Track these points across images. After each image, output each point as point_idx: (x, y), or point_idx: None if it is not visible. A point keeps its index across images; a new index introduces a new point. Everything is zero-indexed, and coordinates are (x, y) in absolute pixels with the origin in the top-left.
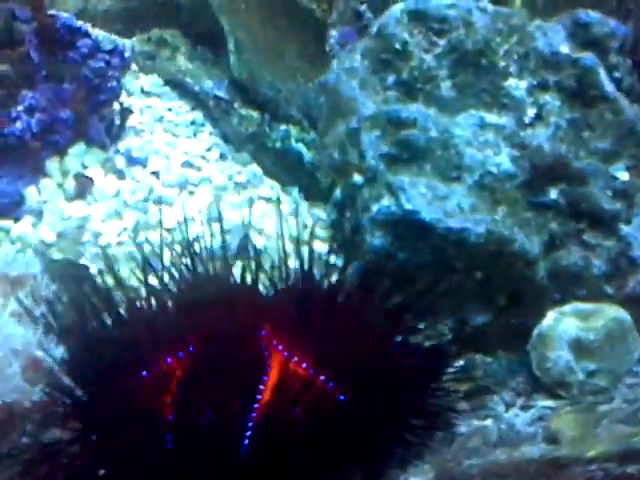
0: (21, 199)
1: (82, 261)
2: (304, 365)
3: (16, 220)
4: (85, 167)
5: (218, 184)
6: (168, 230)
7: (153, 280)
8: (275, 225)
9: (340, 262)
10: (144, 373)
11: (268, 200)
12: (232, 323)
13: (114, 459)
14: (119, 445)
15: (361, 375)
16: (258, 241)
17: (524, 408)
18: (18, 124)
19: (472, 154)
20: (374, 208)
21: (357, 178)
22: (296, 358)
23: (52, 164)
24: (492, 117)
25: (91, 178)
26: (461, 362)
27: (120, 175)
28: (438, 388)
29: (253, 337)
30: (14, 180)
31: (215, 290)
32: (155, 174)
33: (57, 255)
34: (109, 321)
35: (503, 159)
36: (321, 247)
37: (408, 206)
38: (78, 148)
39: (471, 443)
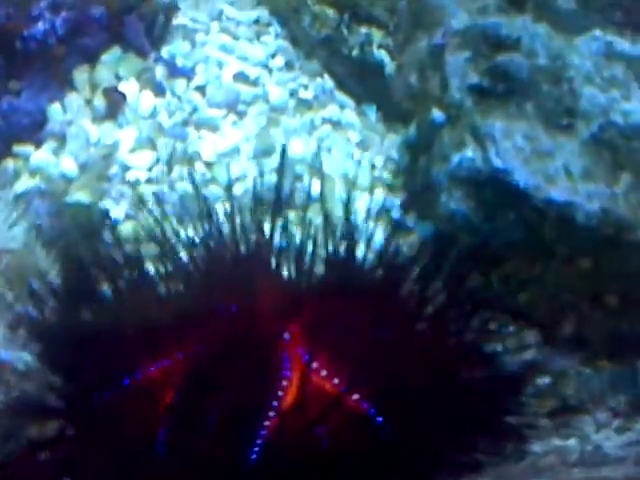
0: (43, 118)
1: (104, 203)
2: (335, 381)
3: (37, 145)
4: (119, 79)
5: (276, 102)
6: (208, 165)
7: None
8: (337, 164)
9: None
10: (129, 380)
11: (336, 125)
12: (247, 319)
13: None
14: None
15: (410, 395)
16: (313, 186)
17: (619, 430)
18: (40, 25)
19: (592, 94)
20: (454, 159)
21: (436, 114)
22: (325, 371)
23: (80, 75)
24: (624, 44)
25: (123, 94)
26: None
27: (158, 90)
28: (511, 410)
29: (272, 340)
30: (35, 95)
31: (236, 270)
32: (201, 89)
33: (76, 195)
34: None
35: (634, 106)
36: (390, 197)
37: (497, 162)
38: (112, 54)
39: (545, 462)
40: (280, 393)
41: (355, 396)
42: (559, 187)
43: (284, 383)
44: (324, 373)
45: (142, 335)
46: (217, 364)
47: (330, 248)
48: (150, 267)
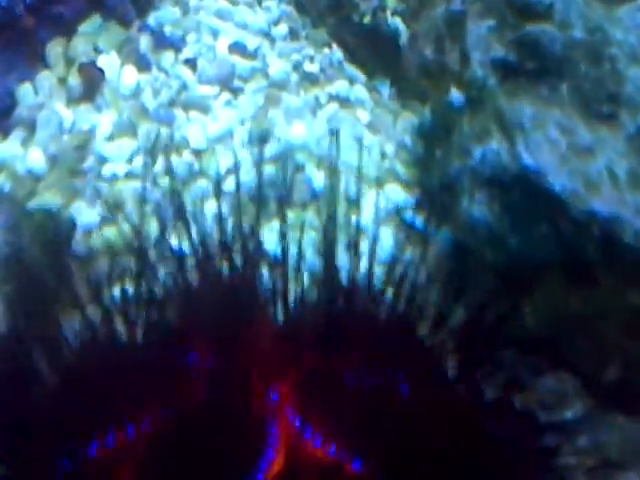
0: (12, 102)
1: (74, 206)
2: (332, 449)
3: (4, 135)
4: (98, 52)
5: (276, 77)
6: (196, 153)
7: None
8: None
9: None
10: (80, 457)
11: (344, 102)
12: (227, 375)
13: None
14: None
15: (424, 464)
16: (316, 179)
17: None
18: None
19: (638, 78)
20: (476, 153)
21: (455, 95)
22: (320, 439)
23: (54, 49)
24: None
25: (102, 70)
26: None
27: (143, 64)
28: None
29: (257, 402)
30: (2, 75)
31: (218, 306)
32: (191, 62)
33: (43, 197)
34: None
35: None
36: (403, 195)
37: (528, 159)
38: (90, 24)
39: None
40: (265, 466)
41: (356, 465)
42: (603, 195)
43: (270, 455)
44: (319, 441)
45: (98, 397)
46: (187, 433)
47: (329, 276)
48: (117, 296)
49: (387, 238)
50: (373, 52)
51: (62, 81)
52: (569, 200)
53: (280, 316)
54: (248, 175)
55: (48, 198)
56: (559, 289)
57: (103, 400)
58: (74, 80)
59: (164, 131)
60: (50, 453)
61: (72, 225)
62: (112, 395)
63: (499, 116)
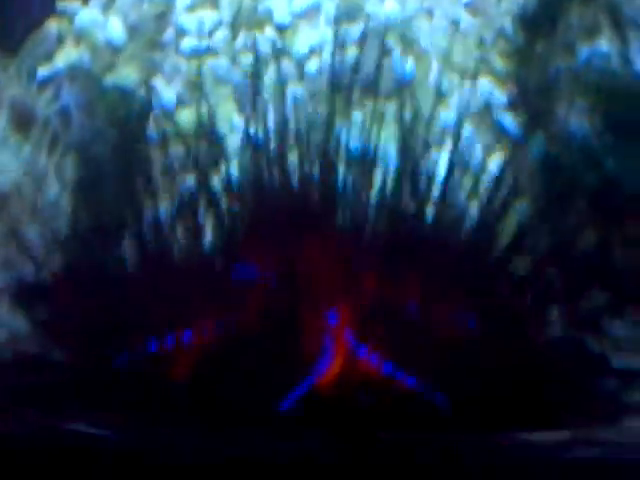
0: None
1: (151, 83)
2: (386, 368)
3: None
4: None
5: None
6: (279, 30)
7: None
8: (436, 34)
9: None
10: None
11: None
12: (286, 293)
13: None
14: None
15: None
16: (403, 64)
17: None
18: None
19: None
20: (582, 51)
21: None
22: (374, 358)
23: None
24: None
25: None
26: None
27: None
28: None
29: (313, 319)
30: None
31: (286, 218)
32: None
33: (119, 71)
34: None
35: None
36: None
37: None
38: None
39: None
40: (317, 377)
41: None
42: None
43: (324, 367)
44: (374, 360)
45: (158, 299)
46: (243, 342)
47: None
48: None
49: (474, 140)
50: None
51: None
52: None
53: (350, 227)
54: (332, 57)
55: (125, 73)
56: None
57: (161, 304)
58: None
59: (247, 2)
60: (108, 349)
61: (148, 106)
62: (170, 299)
63: (613, 10)
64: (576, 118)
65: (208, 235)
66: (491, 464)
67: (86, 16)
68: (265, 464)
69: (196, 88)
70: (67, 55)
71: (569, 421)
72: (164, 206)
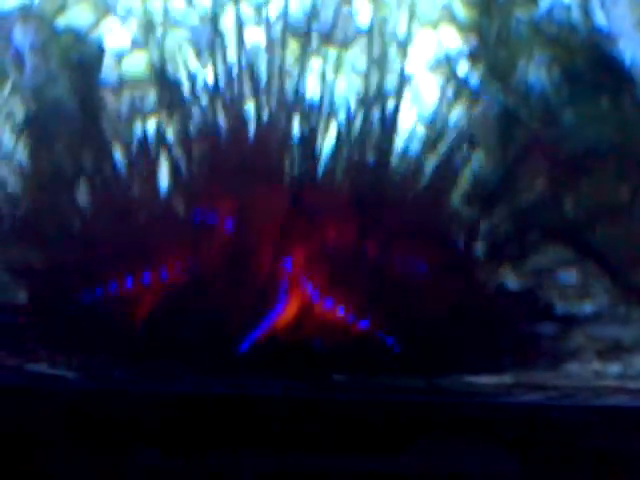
0: None
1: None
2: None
3: None
4: None
5: None
6: None
7: None
8: None
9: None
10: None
11: None
12: (244, 237)
13: None
14: None
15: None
16: (362, 12)
17: None
18: None
19: None
20: (543, 2)
21: None
22: (329, 302)
23: None
24: None
25: None
26: None
27: None
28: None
29: (269, 265)
30: None
31: (240, 164)
32: None
33: (71, 11)
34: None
35: None
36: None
37: (601, 19)
38: None
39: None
40: (274, 318)
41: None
42: None
43: (280, 310)
44: (328, 304)
45: (118, 245)
46: (202, 284)
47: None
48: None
49: (433, 90)
50: None
51: None
52: (638, 75)
53: (306, 176)
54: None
55: (78, 14)
56: (609, 178)
57: (122, 249)
58: None
59: None
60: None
61: (101, 49)
62: (131, 245)
63: None
64: (535, 70)
65: (165, 180)
66: (436, 405)
67: None
68: (222, 402)
69: (151, 31)
70: None
71: (512, 365)
72: (120, 151)
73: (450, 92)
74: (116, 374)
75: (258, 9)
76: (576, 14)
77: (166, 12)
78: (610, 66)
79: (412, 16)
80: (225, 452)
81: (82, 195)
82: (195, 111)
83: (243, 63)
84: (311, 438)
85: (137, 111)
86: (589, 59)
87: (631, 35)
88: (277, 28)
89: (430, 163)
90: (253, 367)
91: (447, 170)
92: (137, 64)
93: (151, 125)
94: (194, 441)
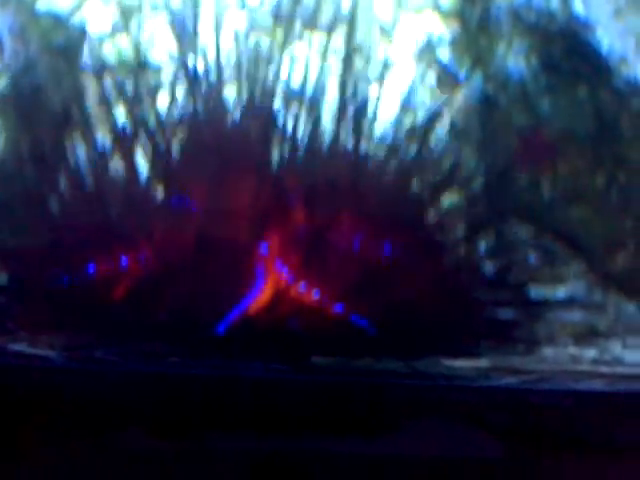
0: None
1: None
2: (315, 295)
3: None
4: None
5: None
6: None
7: None
8: None
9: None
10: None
11: None
12: (218, 222)
13: None
14: None
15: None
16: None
17: None
18: None
19: None
20: None
21: None
22: (304, 286)
23: None
24: None
25: None
26: None
27: None
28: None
29: (245, 249)
30: None
31: (217, 147)
32: None
33: None
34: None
35: None
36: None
37: (579, 8)
38: None
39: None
40: (250, 301)
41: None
42: None
43: (256, 293)
44: (303, 287)
45: (92, 228)
46: (177, 267)
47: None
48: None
49: (415, 76)
50: None
51: None
52: (614, 64)
53: (283, 161)
54: None
55: None
56: (585, 163)
57: (101, 231)
58: None
59: None
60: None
61: (82, 33)
62: (110, 227)
63: None
64: (514, 58)
65: (144, 165)
66: (414, 388)
67: None
68: (203, 383)
69: (131, 15)
70: None
71: (487, 350)
72: (100, 135)
73: (431, 78)
74: (97, 354)
75: None
76: (555, 2)
77: None
78: (587, 54)
79: (395, 2)
80: (206, 432)
81: (61, 179)
82: (175, 96)
83: (224, 48)
84: (291, 419)
85: (119, 95)
86: (567, 47)
87: (608, 23)
88: (259, 13)
89: (409, 148)
90: (232, 349)
91: (425, 155)
92: (118, 48)
93: (131, 110)
94: (175, 421)
